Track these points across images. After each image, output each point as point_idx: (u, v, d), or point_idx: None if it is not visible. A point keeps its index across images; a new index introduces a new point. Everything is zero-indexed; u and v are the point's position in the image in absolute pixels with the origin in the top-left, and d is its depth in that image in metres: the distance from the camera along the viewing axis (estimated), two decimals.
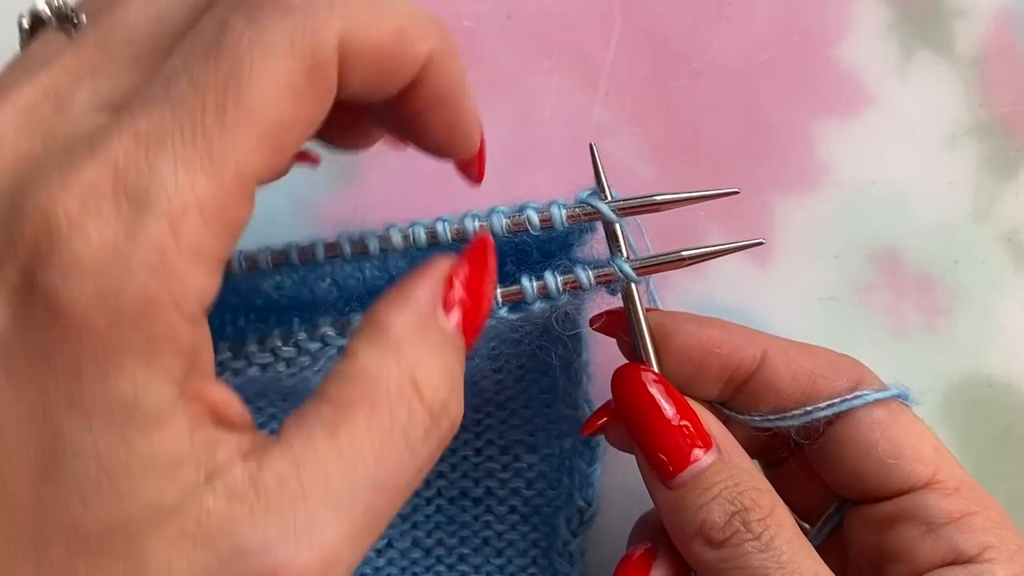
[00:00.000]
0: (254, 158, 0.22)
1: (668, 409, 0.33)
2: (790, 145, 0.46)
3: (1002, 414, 0.45)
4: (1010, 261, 0.46)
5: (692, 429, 0.33)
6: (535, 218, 0.32)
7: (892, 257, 0.46)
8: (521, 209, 0.33)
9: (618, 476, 0.41)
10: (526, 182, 0.44)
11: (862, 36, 0.46)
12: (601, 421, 0.35)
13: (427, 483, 0.40)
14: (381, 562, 0.40)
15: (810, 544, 0.32)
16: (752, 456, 0.34)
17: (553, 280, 0.32)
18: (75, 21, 0.25)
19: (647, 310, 0.35)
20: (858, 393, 0.34)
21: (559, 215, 0.32)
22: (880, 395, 0.34)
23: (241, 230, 0.23)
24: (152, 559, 0.22)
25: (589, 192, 0.33)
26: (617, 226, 0.34)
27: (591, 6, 0.46)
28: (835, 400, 0.34)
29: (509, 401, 0.40)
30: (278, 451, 0.23)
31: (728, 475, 0.32)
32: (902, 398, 0.35)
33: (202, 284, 0.22)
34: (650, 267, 0.34)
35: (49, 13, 0.25)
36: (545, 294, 0.32)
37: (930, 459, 0.33)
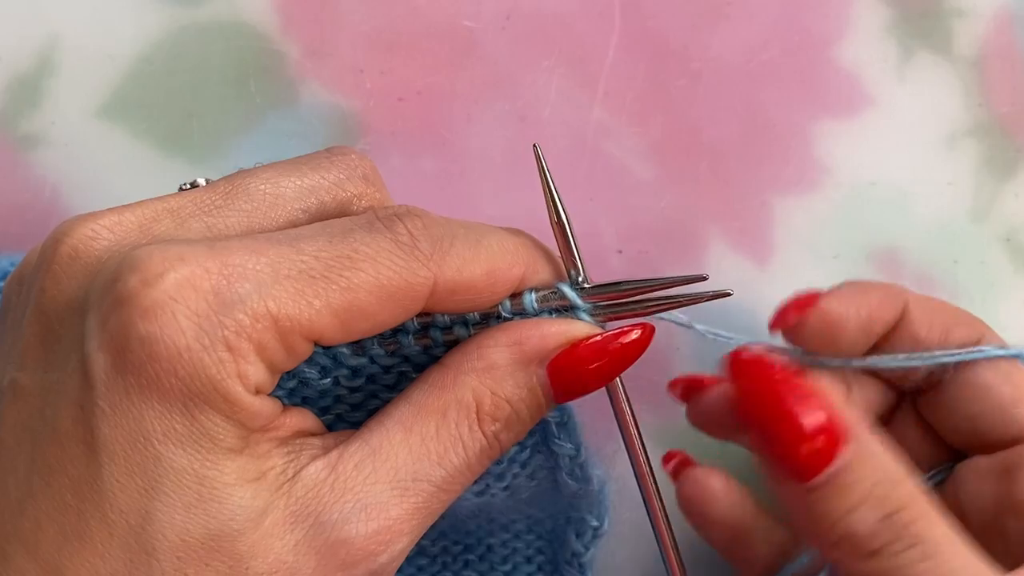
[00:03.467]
0: (325, 321, 0.26)
1: (808, 418, 0.29)
2: (790, 145, 0.46)
3: None
4: (1010, 261, 0.46)
5: (831, 427, 0.29)
6: (508, 305, 0.30)
7: (892, 257, 0.46)
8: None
9: (620, 475, 0.41)
10: (526, 182, 0.44)
11: (862, 36, 0.46)
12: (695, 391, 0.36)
13: None
14: None
15: (959, 533, 0.29)
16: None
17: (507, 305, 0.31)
18: None
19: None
20: (985, 346, 0.34)
21: (530, 300, 0.30)
22: (1006, 352, 0.34)
23: (297, 361, 0.27)
24: (253, 552, 0.25)
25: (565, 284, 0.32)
26: (573, 246, 0.32)
27: (591, 6, 0.46)
28: (967, 348, 0.33)
29: (505, 476, 0.39)
30: (357, 443, 0.28)
31: (870, 470, 0.29)
32: (1022, 358, 0.35)
33: (261, 375, 0.26)
34: (608, 312, 0.31)
35: (205, 183, 0.30)
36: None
37: None
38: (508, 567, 0.41)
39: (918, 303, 0.36)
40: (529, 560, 0.41)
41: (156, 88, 0.45)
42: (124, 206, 0.28)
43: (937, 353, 0.34)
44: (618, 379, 0.32)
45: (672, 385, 0.37)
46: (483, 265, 0.28)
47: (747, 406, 0.30)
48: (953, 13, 0.46)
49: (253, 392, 0.26)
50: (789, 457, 0.29)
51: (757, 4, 0.46)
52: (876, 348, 0.36)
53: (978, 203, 0.46)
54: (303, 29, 0.46)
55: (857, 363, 0.35)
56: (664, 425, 0.42)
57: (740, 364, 0.30)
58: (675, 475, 0.38)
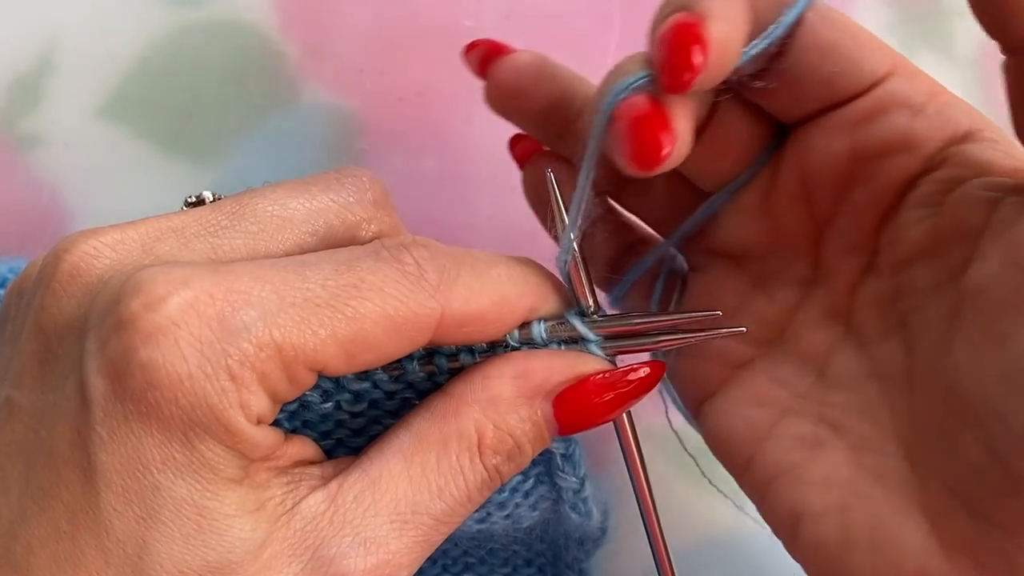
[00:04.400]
0: (330, 351, 0.25)
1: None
2: None
3: None
4: None
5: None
6: (516, 335, 0.30)
7: None
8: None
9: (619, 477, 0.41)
10: None
11: None
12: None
13: None
14: None
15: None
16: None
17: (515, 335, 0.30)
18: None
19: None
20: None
21: (539, 331, 0.30)
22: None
23: (299, 391, 0.26)
24: None
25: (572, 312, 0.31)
26: (580, 267, 0.31)
27: (591, 6, 0.46)
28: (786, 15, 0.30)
29: (507, 505, 0.39)
30: (357, 473, 0.27)
31: None
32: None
33: (263, 405, 0.25)
34: (619, 345, 0.30)
35: (211, 198, 0.29)
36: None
37: (888, 52, 0.31)
38: (508, 569, 0.41)
39: None
40: (529, 563, 0.41)
41: (156, 88, 0.45)
42: (127, 223, 0.27)
43: (761, 38, 0.30)
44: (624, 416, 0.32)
45: (469, 49, 0.34)
46: (491, 296, 0.28)
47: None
48: (953, 13, 0.46)
49: (255, 422, 0.25)
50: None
51: None
52: None
53: None
54: (303, 29, 0.46)
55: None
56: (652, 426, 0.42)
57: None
58: (520, 160, 0.36)
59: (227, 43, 0.46)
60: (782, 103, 0.32)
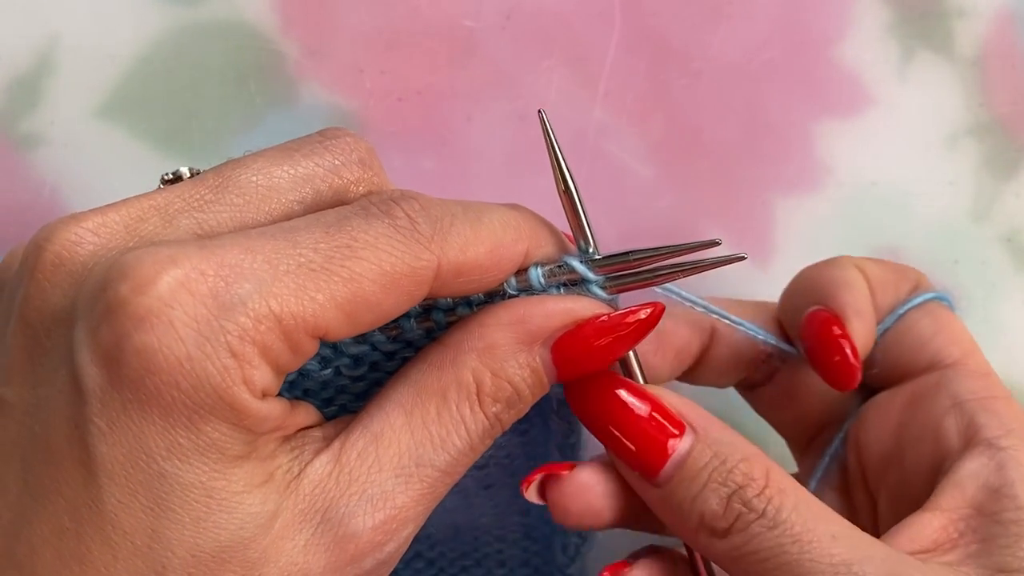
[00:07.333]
0: (330, 315, 0.25)
1: (630, 400, 0.30)
2: (791, 145, 0.46)
3: None
4: (1010, 261, 0.46)
5: (661, 417, 0.30)
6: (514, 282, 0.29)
7: (892, 257, 0.46)
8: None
9: None
10: (526, 182, 0.44)
11: (862, 36, 0.46)
12: (535, 476, 0.32)
13: None
14: None
15: (814, 498, 0.30)
16: (733, 377, 0.35)
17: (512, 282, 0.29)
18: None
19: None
20: (912, 298, 0.35)
21: (537, 276, 0.29)
22: (932, 296, 0.35)
23: (303, 360, 0.26)
24: (265, 557, 0.25)
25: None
26: (582, 214, 0.31)
27: (591, 6, 0.46)
28: (903, 304, 0.35)
29: (507, 445, 0.38)
30: (359, 430, 0.27)
31: (712, 454, 0.30)
32: (946, 301, 0.36)
33: (267, 379, 0.25)
34: (619, 284, 0.30)
35: (188, 174, 0.29)
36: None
37: (965, 346, 0.34)
38: (504, 571, 0.41)
39: (868, 267, 0.36)
40: (526, 563, 0.41)
41: (156, 88, 0.45)
42: (108, 206, 0.26)
43: (886, 321, 0.35)
44: (632, 355, 0.31)
45: (525, 484, 0.32)
46: (486, 243, 0.27)
47: (580, 410, 0.31)
48: (953, 13, 0.46)
49: (260, 397, 0.25)
50: (631, 460, 0.30)
51: (757, 4, 0.46)
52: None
53: (979, 203, 0.46)
54: (303, 29, 0.46)
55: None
56: None
57: (574, 380, 0.31)
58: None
59: (227, 43, 0.45)
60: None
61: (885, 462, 0.34)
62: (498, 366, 0.28)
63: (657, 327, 0.31)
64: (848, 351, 0.33)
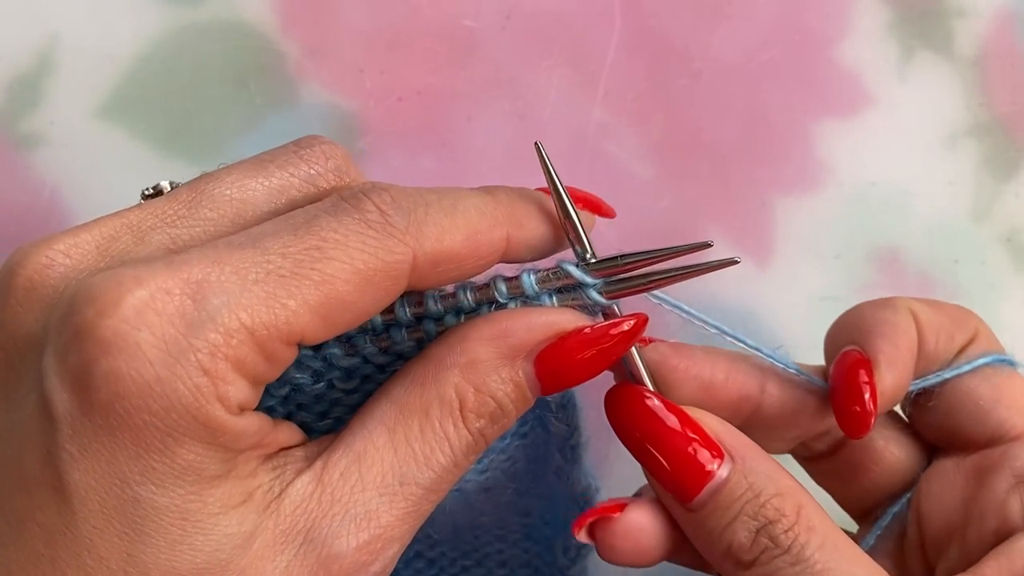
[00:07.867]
0: (304, 320, 0.24)
1: (671, 421, 0.30)
2: (790, 145, 0.46)
3: None
4: (1010, 261, 0.46)
5: (700, 442, 0.30)
6: (503, 287, 0.29)
7: (892, 257, 0.46)
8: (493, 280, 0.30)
9: (612, 477, 0.41)
10: (526, 182, 0.44)
11: (862, 36, 0.46)
12: (589, 519, 0.32)
13: None
14: None
15: (847, 539, 0.30)
16: (787, 441, 0.34)
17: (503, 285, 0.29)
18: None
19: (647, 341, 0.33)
20: (971, 359, 0.34)
21: (530, 282, 0.29)
22: (992, 359, 0.34)
23: (282, 369, 0.25)
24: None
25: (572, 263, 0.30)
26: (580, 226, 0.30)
27: (591, 6, 0.46)
28: (959, 365, 0.34)
29: (508, 449, 0.38)
30: (341, 449, 0.27)
31: (747, 486, 0.30)
32: (1009, 363, 0.35)
33: (244, 393, 0.24)
34: (613, 289, 0.30)
35: (169, 188, 0.28)
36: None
37: None
38: (505, 571, 0.41)
39: (923, 312, 0.35)
40: (527, 564, 0.41)
41: (156, 88, 0.45)
42: (81, 226, 0.26)
43: (930, 377, 0.34)
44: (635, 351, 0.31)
45: (577, 527, 0.32)
46: (462, 231, 0.27)
47: (620, 428, 0.31)
48: (953, 13, 0.46)
49: (237, 412, 0.24)
50: (666, 481, 0.30)
51: (757, 4, 0.46)
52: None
53: (979, 203, 0.46)
54: (303, 29, 0.46)
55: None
56: None
57: (611, 394, 0.31)
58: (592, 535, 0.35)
59: (227, 43, 0.46)
60: (921, 424, 0.35)
61: (947, 534, 0.33)
62: (481, 381, 0.27)
63: (708, 380, 0.32)
64: (867, 399, 0.32)
